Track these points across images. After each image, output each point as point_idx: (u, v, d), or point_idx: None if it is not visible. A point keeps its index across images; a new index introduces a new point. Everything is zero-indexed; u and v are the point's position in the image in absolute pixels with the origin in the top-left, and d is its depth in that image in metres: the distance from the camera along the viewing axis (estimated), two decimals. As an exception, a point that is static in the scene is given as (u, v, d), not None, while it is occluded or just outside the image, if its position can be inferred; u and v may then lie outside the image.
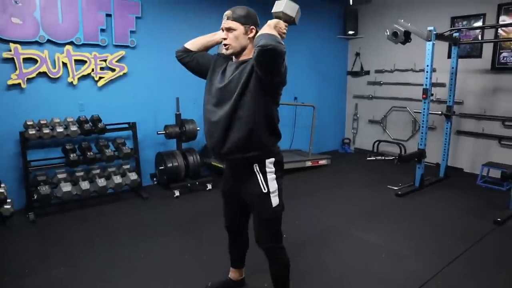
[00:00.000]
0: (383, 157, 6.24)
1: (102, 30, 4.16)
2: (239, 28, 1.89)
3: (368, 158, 6.27)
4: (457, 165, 5.44)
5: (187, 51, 2.12)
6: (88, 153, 3.93)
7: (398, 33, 4.39)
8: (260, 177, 1.94)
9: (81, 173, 3.99)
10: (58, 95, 4.03)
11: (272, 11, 1.91)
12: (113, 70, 4.30)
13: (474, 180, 4.96)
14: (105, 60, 4.22)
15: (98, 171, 4.10)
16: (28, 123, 3.70)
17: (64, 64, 3.99)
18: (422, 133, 4.51)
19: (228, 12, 1.91)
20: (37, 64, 3.83)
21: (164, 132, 4.51)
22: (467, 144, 5.40)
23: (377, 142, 6.45)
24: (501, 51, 4.98)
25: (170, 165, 4.40)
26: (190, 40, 2.16)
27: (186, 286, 2.55)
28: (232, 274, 2.49)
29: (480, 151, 5.27)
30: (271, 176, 1.96)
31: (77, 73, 4.07)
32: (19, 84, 3.76)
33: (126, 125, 4.34)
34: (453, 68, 4.81)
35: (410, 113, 6.02)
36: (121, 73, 4.35)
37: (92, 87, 4.24)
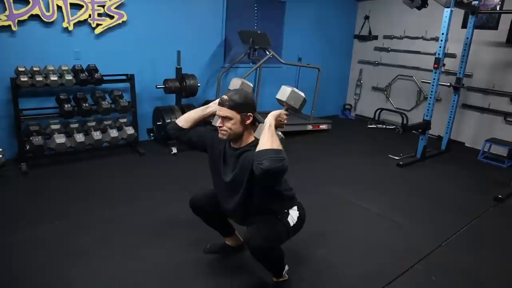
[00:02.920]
0: (384, 126, 6.15)
1: (101, -28, 3.86)
2: (236, 117, 1.79)
3: (369, 126, 6.17)
4: (459, 138, 5.38)
5: (179, 129, 2.06)
6: (84, 104, 3.75)
7: (415, -4, 4.15)
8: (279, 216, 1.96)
9: (76, 125, 3.84)
10: (52, 40, 3.77)
11: (276, 97, 1.88)
12: (111, 17, 4.03)
13: (475, 155, 4.92)
14: (103, 6, 3.93)
15: (93, 123, 3.95)
16: (20, 69, 3.48)
17: (59, 8, 3.71)
18: (429, 103, 4.39)
19: (224, 98, 1.80)
20: (29, 6, 3.54)
21: (163, 86, 4.32)
22: (472, 119, 5.31)
23: (379, 110, 6.33)
24: (519, 23, 4.77)
25: (168, 120, 4.25)
26: (181, 117, 2.09)
27: (185, 245, 2.50)
28: (228, 241, 2.43)
29: (484, 127, 5.19)
30: (292, 218, 1.96)
31: (73, 18, 3.80)
32: (9, 26, 3.49)
33: (124, 77, 4.14)
34: (467, 38, 4.61)
35: (416, 83, 5.86)
36: (119, 21, 4.08)
37: (89, 34, 3.98)
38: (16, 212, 2.82)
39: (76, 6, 3.80)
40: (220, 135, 1.85)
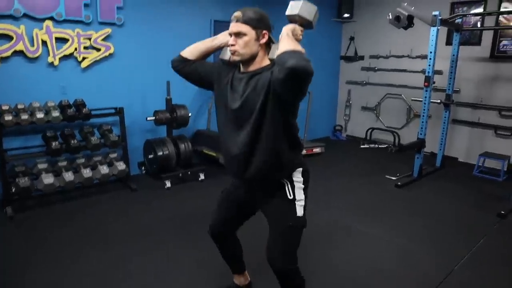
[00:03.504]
0: (376, 145, 6.13)
1: (86, 5, 3.77)
2: (250, 32, 1.61)
3: (361, 146, 6.15)
4: (451, 154, 5.38)
5: (184, 60, 1.86)
6: (72, 141, 3.60)
7: (401, 17, 4.20)
8: (287, 187, 1.74)
9: (64, 163, 3.67)
10: (37, 76, 3.65)
11: (286, 13, 1.65)
12: (98, 49, 3.93)
13: (469, 170, 4.92)
14: (89, 39, 3.85)
15: (82, 160, 3.78)
16: (4, 107, 3.33)
17: (44, 42, 3.60)
18: (422, 122, 4.39)
19: (237, 14, 1.63)
20: (13, 41, 3.43)
21: (153, 118, 4.20)
22: (462, 133, 5.34)
23: (370, 130, 6.33)
24: (501, 39, 4.87)
25: (160, 153, 4.12)
26: (187, 48, 1.88)
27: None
28: (236, 279, 2.28)
29: (475, 141, 5.22)
30: (298, 185, 1.76)
31: (58, 52, 3.70)
32: (-8, 63, 3.37)
33: (113, 110, 4.02)
34: (453, 55, 4.68)
35: (405, 101, 5.90)
36: (107, 53, 3.99)
37: (75, 68, 3.87)
38: (1, 261, 2.61)
39: (61, 40, 3.70)
40: (232, 56, 1.66)
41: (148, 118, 4.18)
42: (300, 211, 1.74)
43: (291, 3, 1.65)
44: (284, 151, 1.68)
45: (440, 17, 4.07)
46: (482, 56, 5.04)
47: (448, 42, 5.18)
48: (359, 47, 6.40)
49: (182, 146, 4.33)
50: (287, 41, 1.51)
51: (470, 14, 4.85)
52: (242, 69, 1.72)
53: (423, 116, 4.37)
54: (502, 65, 4.90)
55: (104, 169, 3.77)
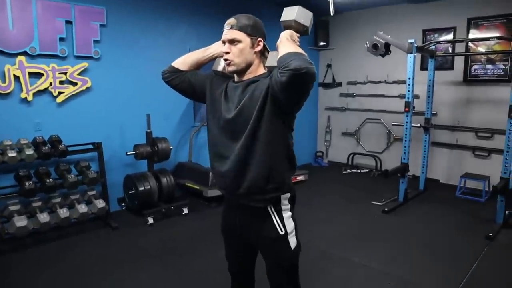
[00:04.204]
0: (358, 170, 6.15)
1: (62, 39, 3.68)
2: (245, 40, 1.55)
3: (344, 172, 6.14)
4: (432, 176, 5.44)
5: (175, 71, 1.76)
6: (47, 180, 3.41)
7: (379, 45, 4.30)
8: (275, 218, 1.63)
9: (39, 203, 3.45)
10: (9, 113, 3.47)
11: (281, 19, 1.60)
12: (74, 84, 3.81)
13: (451, 191, 4.97)
14: (65, 73, 3.72)
15: (59, 199, 3.57)
16: (-27, 147, 3.14)
17: (16, 78, 3.46)
18: (405, 146, 4.43)
19: (231, 20, 1.57)
20: (-17, 78, 3.28)
21: (133, 152, 4.06)
22: (442, 156, 5.43)
23: (351, 155, 6.36)
24: (472, 63, 5.06)
25: (141, 188, 3.96)
26: (178, 59, 1.79)
27: None
28: None
29: (455, 162, 5.31)
30: (287, 214, 1.65)
31: (32, 88, 3.55)
32: (-40, 101, 3.19)
33: (91, 146, 3.85)
34: (430, 80, 4.81)
35: (384, 125, 5.98)
36: (83, 87, 3.87)
37: (50, 103, 3.71)
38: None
39: (35, 75, 3.56)
40: (227, 66, 1.58)
41: (128, 153, 4.04)
42: (293, 243, 1.66)
43: (285, 9, 1.61)
44: (280, 169, 1.59)
45: (416, 45, 4.19)
46: (456, 80, 5.21)
47: (423, 67, 5.34)
48: (336, 73, 6.51)
49: (164, 180, 4.18)
50: (288, 44, 1.46)
51: (443, 41, 5.03)
52: (236, 78, 1.65)
53: (405, 141, 4.42)
54: (475, 88, 5.06)
55: (82, 208, 3.57)
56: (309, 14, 1.61)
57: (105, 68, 4.03)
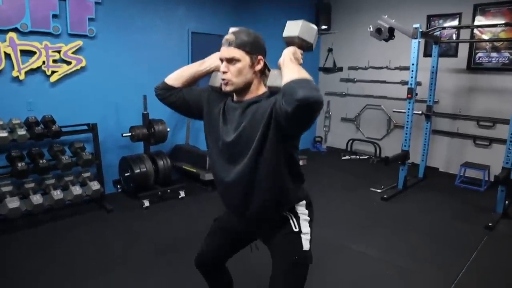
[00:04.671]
0: (357, 156, 6.09)
1: (55, 16, 3.54)
2: (244, 58, 1.44)
3: (342, 158, 6.08)
4: (432, 164, 5.39)
5: (169, 88, 1.66)
6: (40, 161, 3.33)
7: (382, 29, 4.19)
8: (292, 219, 1.57)
9: (32, 185, 3.38)
10: (0, 92, 3.36)
11: (284, 35, 1.48)
12: (68, 63, 3.69)
13: (451, 180, 4.93)
14: (58, 51, 3.60)
15: (52, 181, 3.50)
16: (-37, 126, 3.04)
17: (7, 55, 3.34)
18: (406, 134, 4.36)
19: (229, 37, 1.44)
20: (-27, 54, 3.16)
21: (129, 134, 3.97)
22: (442, 144, 5.37)
23: (350, 141, 6.29)
24: (476, 51, 4.95)
25: (137, 171, 3.89)
26: (171, 74, 1.68)
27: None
28: None
29: (455, 151, 5.26)
30: (303, 217, 1.59)
31: (24, 66, 3.43)
32: (-51, 78, 3.07)
33: (85, 127, 3.76)
34: (433, 67, 4.70)
35: (385, 112, 5.90)
36: (78, 67, 3.75)
37: (43, 82, 3.60)
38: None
39: (27, 53, 3.43)
40: (224, 86, 1.48)
41: (124, 134, 3.95)
42: (306, 245, 1.57)
43: (288, 23, 1.48)
44: (286, 187, 1.51)
45: (421, 30, 4.07)
46: (459, 68, 5.10)
47: (426, 54, 5.23)
48: (337, 58, 6.39)
49: (160, 162, 4.11)
50: (292, 67, 1.34)
51: (449, 27, 4.90)
52: (235, 97, 1.54)
53: (407, 128, 4.34)
54: (479, 76, 4.97)
55: (76, 190, 3.50)
56: (314, 29, 1.48)
57: (100, 47, 3.90)
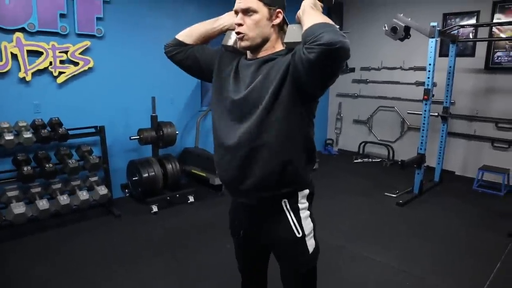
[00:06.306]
0: (370, 159, 5.94)
1: (62, 16, 3.46)
2: (262, 10, 1.31)
3: (355, 161, 5.93)
4: (448, 167, 5.22)
5: (180, 44, 1.54)
6: (47, 165, 3.24)
7: (398, 28, 4.05)
8: (291, 217, 1.41)
9: (38, 189, 3.29)
10: (6, 93, 3.28)
11: None
12: (76, 64, 3.60)
13: (468, 184, 4.76)
14: (66, 52, 3.51)
15: (59, 185, 3.41)
16: (-32, 129, 2.96)
17: (14, 56, 3.26)
18: (422, 136, 4.20)
19: None
20: (-22, 55, 3.08)
21: (138, 137, 3.87)
22: (459, 146, 5.20)
23: (362, 143, 6.14)
24: (495, 50, 4.78)
25: (145, 175, 3.79)
26: (184, 30, 1.56)
27: None
28: None
29: (472, 154, 5.09)
30: (304, 214, 1.44)
31: (31, 67, 3.35)
32: (-46, 80, 3.00)
33: (93, 130, 3.67)
34: (450, 67, 4.55)
35: (398, 113, 5.74)
36: (85, 68, 3.66)
37: (50, 84, 3.52)
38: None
39: (34, 53, 3.36)
40: (239, 41, 1.35)
41: (132, 137, 3.85)
42: (311, 246, 1.45)
43: None
44: (297, 166, 1.34)
45: (438, 28, 3.92)
46: (477, 68, 4.93)
47: (441, 54, 5.06)
48: (350, 59, 6.22)
49: (169, 166, 4.00)
50: (314, 13, 1.22)
51: (468, 25, 4.74)
52: (250, 55, 1.41)
53: (423, 130, 4.19)
54: (498, 76, 4.80)
55: (83, 195, 3.41)
56: None
57: (108, 47, 3.81)
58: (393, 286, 2.58)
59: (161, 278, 2.60)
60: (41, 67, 3.40)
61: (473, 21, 4.87)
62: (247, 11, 1.31)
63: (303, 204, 1.44)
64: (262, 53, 1.38)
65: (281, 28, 1.38)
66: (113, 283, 2.54)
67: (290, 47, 1.31)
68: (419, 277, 2.67)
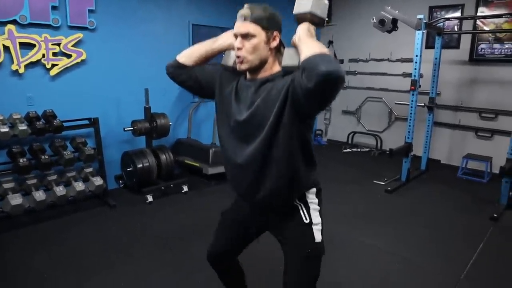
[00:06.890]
0: (358, 149, 6.08)
1: (54, 8, 3.45)
2: (260, 34, 1.38)
3: (344, 150, 6.07)
4: (433, 156, 5.39)
5: (181, 66, 1.62)
6: (42, 157, 3.26)
7: (385, 20, 4.15)
8: (301, 208, 1.52)
9: (34, 181, 3.32)
10: (0, 86, 3.29)
11: (294, 11, 1.40)
12: (68, 56, 3.61)
13: (453, 172, 4.94)
14: (58, 44, 3.52)
15: (54, 177, 3.44)
16: (-38, 121, 2.97)
17: (6, 48, 3.26)
18: (409, 126, 4.34)
19: (244, 11, 1.38)
20: (-29, 48, 3.07)
21: (131, 128, 3.91)
22: (444, 136, 5.36)
23: (351, 134, 6.27)
24: (479, 42, 4.93)
25: (140, 165, 3.84)
26: (183, 51, 1.63)
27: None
28: None
29: (457, 143, 5.26)
30: (313, 207, 1.54)
31: (24, 59, 3.35)
32: None
33: (87, 121, 3.69)
34: (436, 58, 4.68)
35: (386, 104, 5.88)
36: (78, 60, 3.67)
37: (43, 76, 3.53)
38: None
39: (26, 46, 3.35)
40: (239, 64, 1.42)
41: (126, 129, 3.89)
42: (318, 236, 1.52)
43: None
44: (299, 170, 1.46)
45: (425, 21, 4.04)
46: (461, 59, 5.08)
47: (427, 46, 5.19)
48: (338, 51, 6.34)
49: (163, 157, 4.06)
50: (311, 42, 1.28)
51: (453, 18, 4.87)
52: (249, 76, 1.49)
53: (410, 120, 4.32)
54: (481, 68, 4.95)
55: (79, 186, 3.45)
56: (325, 4, 1.40)
57: (101, 40, 3.82)
58: (383, 268, 2.71)
59: (157, 265, 2.68)
60: (34, 59, 3.40)
61: (458, 14, 5.01)
62: (246, 36, 1.38)
63: (312, 199, 1.56)
64: (261, 74, 1.45)
65: (278, 50, 1.46)
66: (108, 272, 2.60)
67: (287, 70, 1.39)
68: (407, 259, 2.81)
